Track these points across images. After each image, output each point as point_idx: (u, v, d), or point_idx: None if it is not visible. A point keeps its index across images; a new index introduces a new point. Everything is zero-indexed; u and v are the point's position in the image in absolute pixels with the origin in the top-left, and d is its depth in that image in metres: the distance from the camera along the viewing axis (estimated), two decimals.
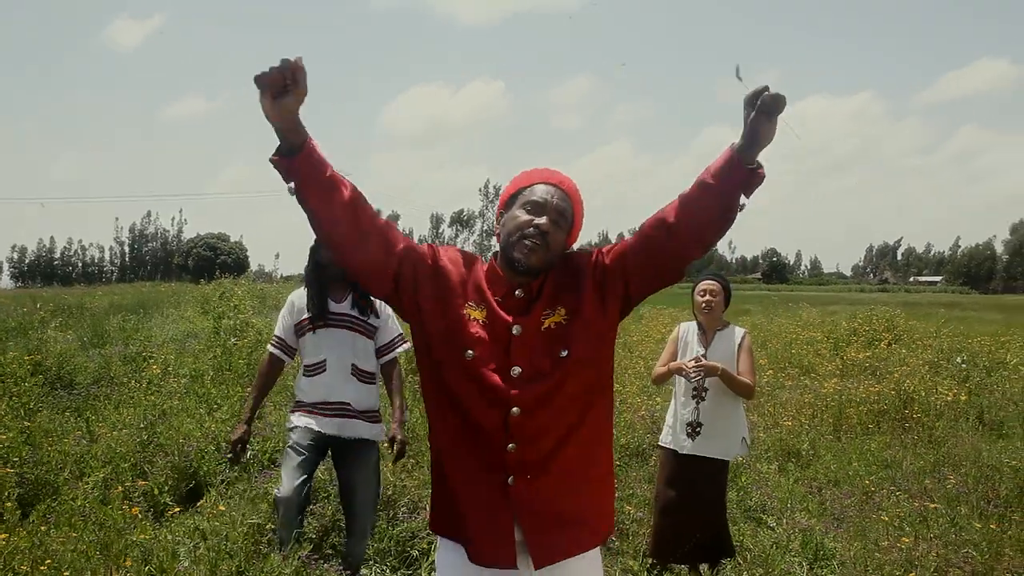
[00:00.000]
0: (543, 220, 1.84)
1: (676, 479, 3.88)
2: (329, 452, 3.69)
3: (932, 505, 4.84)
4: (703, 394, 3.86)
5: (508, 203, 1.94)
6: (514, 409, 1.81)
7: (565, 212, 1.88)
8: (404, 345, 3.73)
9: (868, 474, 5.70)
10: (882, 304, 18.29)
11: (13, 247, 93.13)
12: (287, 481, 3.49)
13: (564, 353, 1.82)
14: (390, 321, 3.70)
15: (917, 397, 7.71)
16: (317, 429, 3.56)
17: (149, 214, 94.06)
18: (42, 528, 3.87)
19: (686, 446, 3.85)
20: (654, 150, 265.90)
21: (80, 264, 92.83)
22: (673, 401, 4.03)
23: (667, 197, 1.82)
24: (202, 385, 7.27)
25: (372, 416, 3.64)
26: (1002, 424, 7.46)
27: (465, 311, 1.87)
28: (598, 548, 1.99)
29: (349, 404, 3.57)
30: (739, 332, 3.95)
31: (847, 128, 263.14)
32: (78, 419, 6.21)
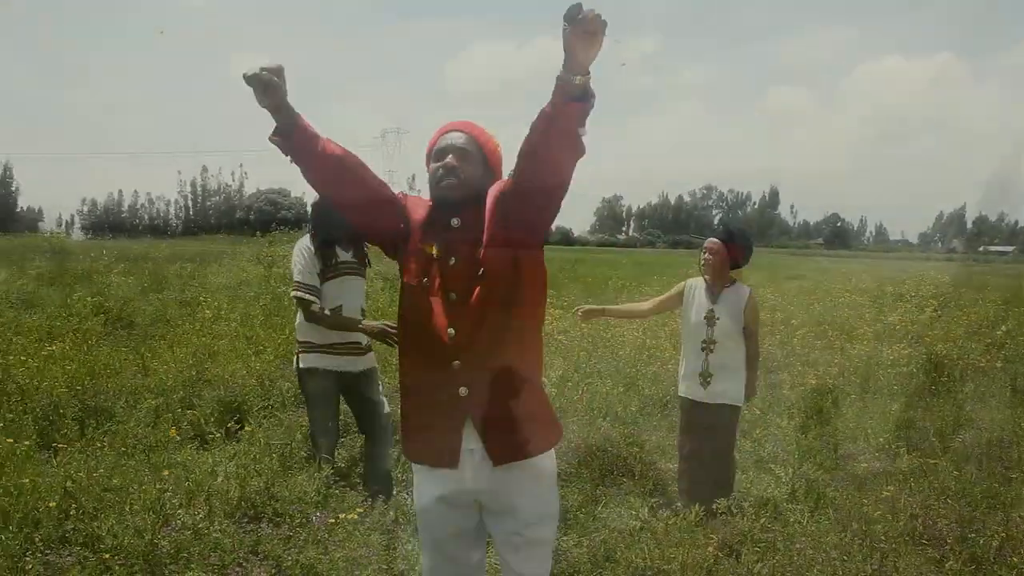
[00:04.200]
0: (448, 159, 2.16)
1: (694, 425, 4.21)
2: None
3: (934, 461, 4.94)
4: (712, 346, 4.16)
5: (428, 159, 2.25)
6: (450, 330, 2.11)
7: (467, 148, 2.18)
8: None
9: (884, 432, 5.79)
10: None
11: (83, 200, 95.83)
12: (327, 436, 3.98)
13: (480, 271, 2.11)
14: None
15: (948, 362, 7.70)
16: (335, 369, 3.93)
17: (206, 169, 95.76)
18: (96, 445, 4.31)
19: (700, 394, 4.16)
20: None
21: (147, 217, 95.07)
22: (683, 353, 4.30)
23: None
24: (251, 328, 7.71)
25: (368, 348, 4.05)
26: None
27: (422, 246, 2.18)
28: (551, 455, 2.27)
29: (360, 343, 3.96)
30: (745, 290, 4.22)
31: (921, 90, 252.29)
32: (134, 356, 6.69)
